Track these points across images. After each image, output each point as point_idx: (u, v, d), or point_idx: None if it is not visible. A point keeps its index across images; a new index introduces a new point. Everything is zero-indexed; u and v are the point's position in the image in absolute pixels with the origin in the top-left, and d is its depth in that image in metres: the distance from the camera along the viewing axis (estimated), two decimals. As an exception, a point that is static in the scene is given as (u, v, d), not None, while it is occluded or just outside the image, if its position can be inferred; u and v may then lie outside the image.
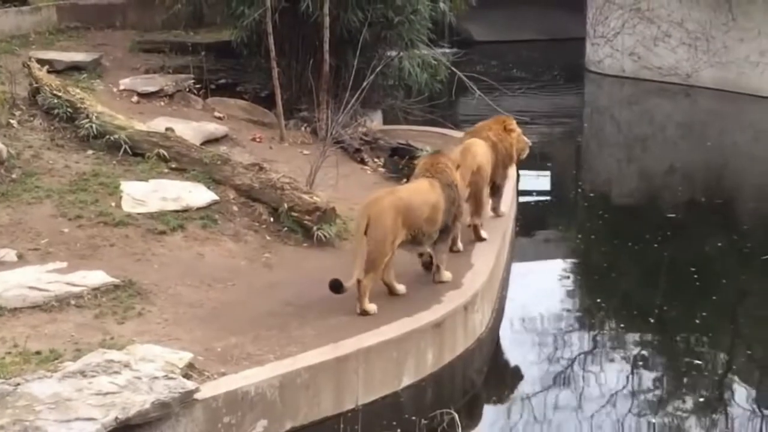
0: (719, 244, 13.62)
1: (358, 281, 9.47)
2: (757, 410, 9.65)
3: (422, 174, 10.35)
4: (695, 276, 12.46)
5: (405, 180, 13.65)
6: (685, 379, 10.16)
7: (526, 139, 12.36)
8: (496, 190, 12.30)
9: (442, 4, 16.63)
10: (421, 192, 10.07)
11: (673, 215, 14.95)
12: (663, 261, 13.22)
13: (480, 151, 11.65)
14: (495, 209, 12.44)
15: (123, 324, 9.00)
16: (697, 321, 11.32)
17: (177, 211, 11.04)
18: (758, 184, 17.38)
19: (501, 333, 10.97)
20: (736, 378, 10.26)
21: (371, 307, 9.55)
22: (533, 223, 14.71)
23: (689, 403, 9.71)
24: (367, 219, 9.56)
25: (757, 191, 16.95)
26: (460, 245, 11.23)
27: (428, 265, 10.38)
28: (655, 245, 13.58)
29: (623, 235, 14.05)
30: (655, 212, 14.90)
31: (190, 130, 13.30)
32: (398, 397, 9.21)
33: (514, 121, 12.31)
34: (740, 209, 15.82)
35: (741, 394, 9.91)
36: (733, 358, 10.77)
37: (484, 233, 11.67)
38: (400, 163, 14.13)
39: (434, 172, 10.30)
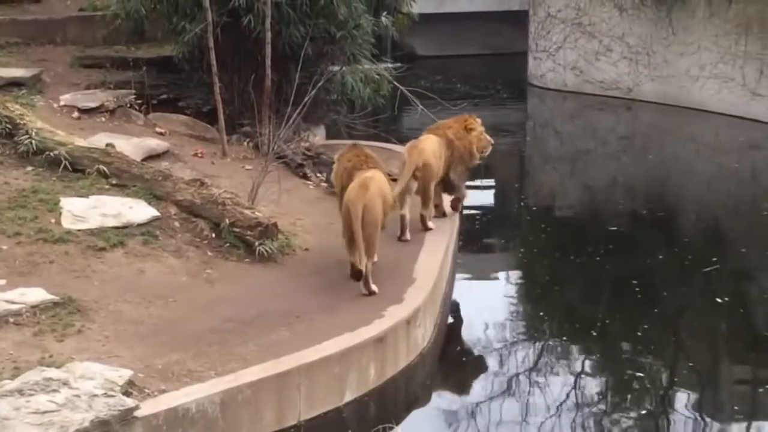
0: (660, 257, 13.71)
1: (365, 270, 10.34)
2: (699, 419, 9.72)
3: (361, 166, 11.09)
4: (637, 288, 12.54)
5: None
6: (627, 390, 10.22)
7: (488, 137, 13.01)
8: (449, 186, 12.86)
9: (384, 19, 16.65)
10: (383, 180, 10.88)
11: (615, 228, 15.06)
12: (605, 274, 13.30)
13: (428, 148, 12.24)
14: (454, 206, 13.07)
15: (62, 342, 8.91)
16: (639, 333, 11.39)
17: (117, 228, 10.96)
18: (699, 197, 17.55)
19: (444, 347, 10.97)
20: (678, 388, 10.33)
21: (376, 287, 10.43)
22: (477, 237, 14.75)
23: (633, 413, 9.77)
24: (363, 206, 10.26)
25: (698, 204, 17.11)
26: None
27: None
28: (598, 258, 13.66)
29: (566, 248, 14.13)
30: (597, 225, 15.00)
31: (131, 145, 13.21)
32: (340, 413, 9.21)
33: (477, 121, 13.03)
34: (681, 222, 15.95)
35: (682, 403, 9.98)
36: (675, 369, 10.84)
37: (430, 224, 12.40)
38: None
39: (371, 164, 11.13)
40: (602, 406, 9.99)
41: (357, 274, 10.37)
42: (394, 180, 12.35)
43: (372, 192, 10.45)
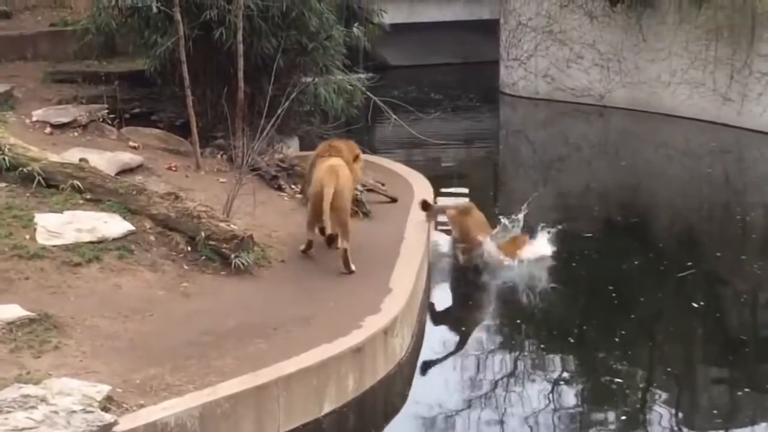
0: (636, 263, 13.76)
1: (345, 250, 11.38)
2: (675, 426, 9.76)
3: (324, 153, 12.06)
4: (613, 294, 12.58)
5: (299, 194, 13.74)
6: (606, 397, 10.23)
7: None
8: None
9: (356, 30, 16.67)
10: (345, 167, 11.73)
11: (590, 235, 15.08)
12: (581, 280, 13.33)
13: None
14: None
15: (39, 358, 8.87)
16: (616, 339, 11.43)
17: (92, 243, 10.92)
18: (672, 203, 17.61)
19: (422, 357, 10.97)
20: (656, 394, 10.35)
21: (354, 267, 11.37)
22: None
23: (611, 419, 9.78)
24: (334, 190, 11.13)
25: (671, 209, 17.18)
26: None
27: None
28: (573, 264, 13.69)
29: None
30: (572, 232, 15.00)
31: (105, 160, 13.17)
32: (320, 424, 9.21)
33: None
34: (655, 227, 16.00)
35: (661, 409, 9.99)
36: (653, 374, 10.87)
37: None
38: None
39: (334, 152, 12.02)
40: (579, 412, 10.00)
41: (331, 238, 11.24)
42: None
43: (345, 176, 11.51)
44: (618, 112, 24.17)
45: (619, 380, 10.47)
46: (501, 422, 9.69)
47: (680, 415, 9.97)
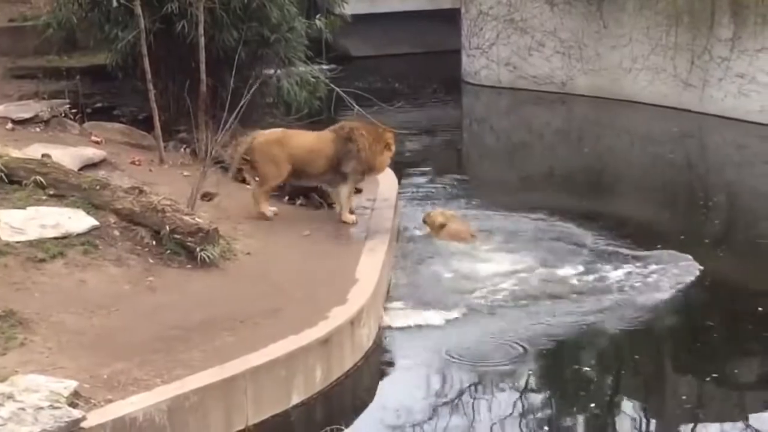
0: (601, 247, 13.81)
1: None
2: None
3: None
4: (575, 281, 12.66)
5: (287, 197, 13.78)
6: (562, 384, 10.31)
7: None
8: None
9: (318, 21, 16.68)
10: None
11: (556, 221, 15.08)
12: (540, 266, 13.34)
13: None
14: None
15: (5, 355, 8.84)
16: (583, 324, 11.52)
17: (57, 238, 10.87)
18: (636, 188, 17.70)
19: (388, 346, 10.98)
20: (624, 397, 10.38)
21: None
22: (415, 233, 14.71)
23: (581, 419, 9.84)
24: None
25: (635, 194, 17.25)
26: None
27: None
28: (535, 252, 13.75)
29: (508, 242, 14.16)
30: (535, 218, 15.06)
31: (68, 155, 13.13)
32: (288, 416, 9.23)
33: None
34: (619, 212, 16.02)
35: (630, 413, 10.03)
36: (621, 374, 10.94)
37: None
38: (282, 181, 14.06)
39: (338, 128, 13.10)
40: (545, 404, 10.03)
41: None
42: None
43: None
44: (580, 99, 24.22)
45: (586, 368, 10.53)
46: (468, 414, 9.71)
47: (647, 414, 10.03)
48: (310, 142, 13.27)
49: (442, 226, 13.79)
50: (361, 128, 13.27)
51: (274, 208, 13.22)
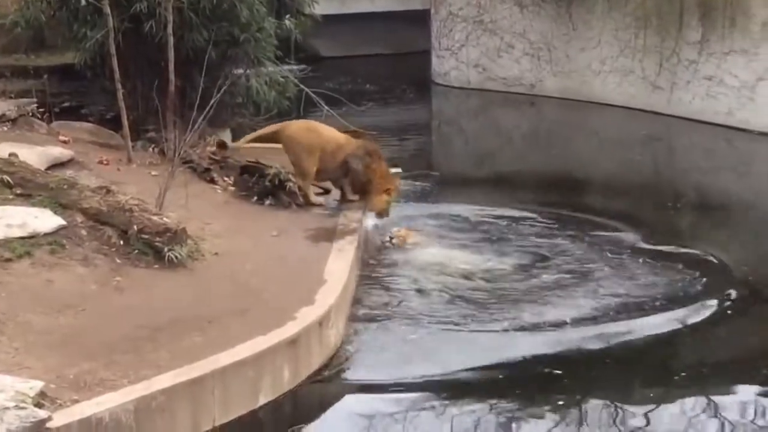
0: (569, 246, 13.88)
1: None
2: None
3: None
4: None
5: (256, 197, 13.78)
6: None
7: None
8: None
9: (287, 22, 16.66)
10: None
11: (527, 222, 15.12)
12: (505, 262, 13.38)
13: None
14: None
15: (-29, 355, 8.81)
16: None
17: (23, 238, 10.80)
18: (604, 190, 17.77)
19: (356, 346, 10.97)
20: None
21: None
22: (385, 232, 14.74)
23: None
24: None
25: (603, 196, 17.32)
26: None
27: None
28: (506, 248, 13.83)
29: (477, 240, 14.24)
30: (504, 219, 15.11)
31: (35, 155, 13.06)
32: (256, 416, 9.20)
33: None
34: (588, 213, 16.05)
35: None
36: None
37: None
38: (250, 180, 14.07)
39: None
40: (523, 396, 10.04)
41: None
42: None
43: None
44: (549, 101, 24.33)
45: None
46: (439, 411, 9.71)
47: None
48: (338, 137, 14.22)
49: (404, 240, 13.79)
50: (379, 156, 14.11)
51: (321, 199, 14.18)
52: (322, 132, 14.16)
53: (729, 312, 11.85)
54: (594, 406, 9.76)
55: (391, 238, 13.63)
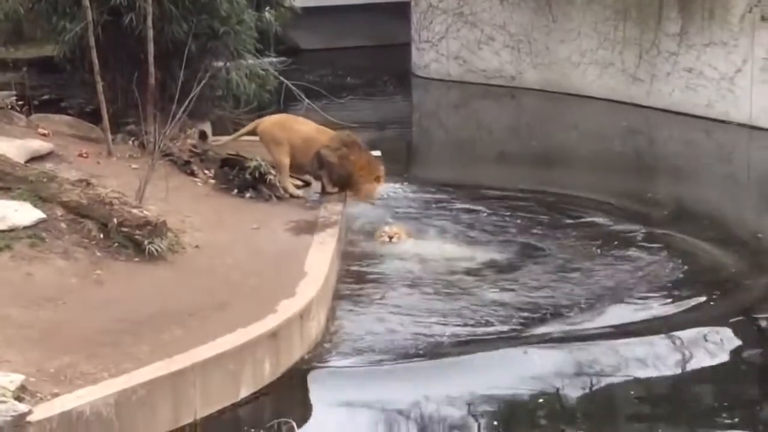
0: (548, 239, 13.92)
1: None
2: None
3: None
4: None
5: (236, 190, 13.77)
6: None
7: None
8: None
9: (267, 14, 16.64)
10: None
11: (506, 213, 15.15)
12: (483, 256, 13.40)
13: None
14: None
15: (-50, 349, 8.78)
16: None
17: (3, 231, 10.78)
18: (584, 182, 17.79)
19: (337, 339, 10.97)
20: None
21: None
22: (364, 226, 14.73)
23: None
24: None
25: (584, 188, 17.32)
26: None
27: None
28: (485, 238, 13.91)
29: (459, 232, 14.27)
30: (487, 212, 15.13)
31: (14, 148, 13.01)
32: (237, 409, 9.20)
33: None
34: (567, 205, 16.08)
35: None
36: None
37: None
38: (231, 173, 14.06)
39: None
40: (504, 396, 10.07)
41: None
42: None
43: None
44: (529, 93, 24.31)
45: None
46: (420, 402, 9.72)
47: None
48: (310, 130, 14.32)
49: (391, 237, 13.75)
50: (359, 146, 14.20)
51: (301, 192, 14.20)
52: (292, 125, 14.36)
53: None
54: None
55: (390, 237, 13.54)
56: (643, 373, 10.27)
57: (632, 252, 13.40)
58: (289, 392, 9.82)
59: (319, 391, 9.99)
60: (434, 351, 10.58)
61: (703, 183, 18.20)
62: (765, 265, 13.36)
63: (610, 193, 16.63)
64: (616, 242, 13.82)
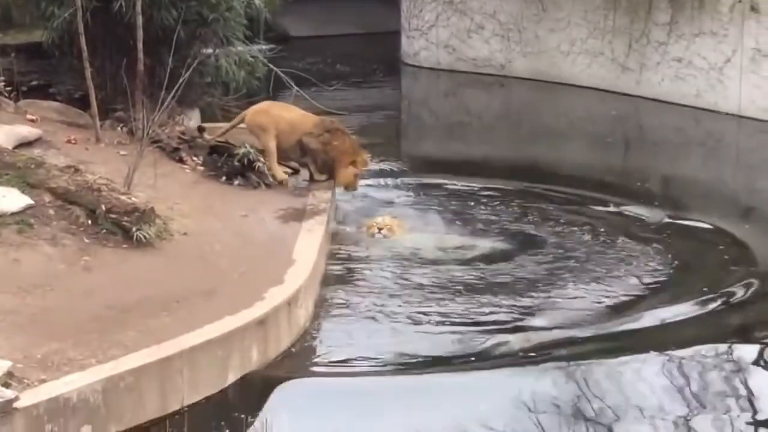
0: (538, 225, 13.97)
1: None
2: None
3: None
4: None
5: (225, 177, 13.76)
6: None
7: None
8: None
9: (256, 1, 16.62)
10: None
11: (497, 203, 15.16)
12: (476, 245, 13.41)
13: None
14: None
15: (-63, 335, 8.77)
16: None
17: (-10, 218, 10.79)
18: (573, 171, 17.81)
19: (325, 326, 10.98)
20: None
21: None
22: (351, 214, 14.74)
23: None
24: None
25: (573, 178, 17.35)
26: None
27: None
28: (479, 226, 13.99)
29: (449, 222, 14.29)
30: (476, 200, 15.16)
31: (2, 134, 12.97)
32: (225, 396, 9.20)
33: None
34: (557, 193, 16.09)
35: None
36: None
37: None
38: (219, 160, 14.04)
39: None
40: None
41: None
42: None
43: None
44: (519, 82, 24.35)
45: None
46: (407, 390, 9.73)
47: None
48: (293, 116, 14.36)
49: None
50: (342, 132, 14.22)
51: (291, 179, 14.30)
52: (275, 112, 14.43)
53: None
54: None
55: (380, 229, 13.47)
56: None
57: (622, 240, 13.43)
58: (277, 380, 9.79)
59: (306, 378, 9.97)
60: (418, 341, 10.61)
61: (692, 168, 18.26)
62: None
63: (598, 178, 16.73)
64: (604, 229, 13.84)
